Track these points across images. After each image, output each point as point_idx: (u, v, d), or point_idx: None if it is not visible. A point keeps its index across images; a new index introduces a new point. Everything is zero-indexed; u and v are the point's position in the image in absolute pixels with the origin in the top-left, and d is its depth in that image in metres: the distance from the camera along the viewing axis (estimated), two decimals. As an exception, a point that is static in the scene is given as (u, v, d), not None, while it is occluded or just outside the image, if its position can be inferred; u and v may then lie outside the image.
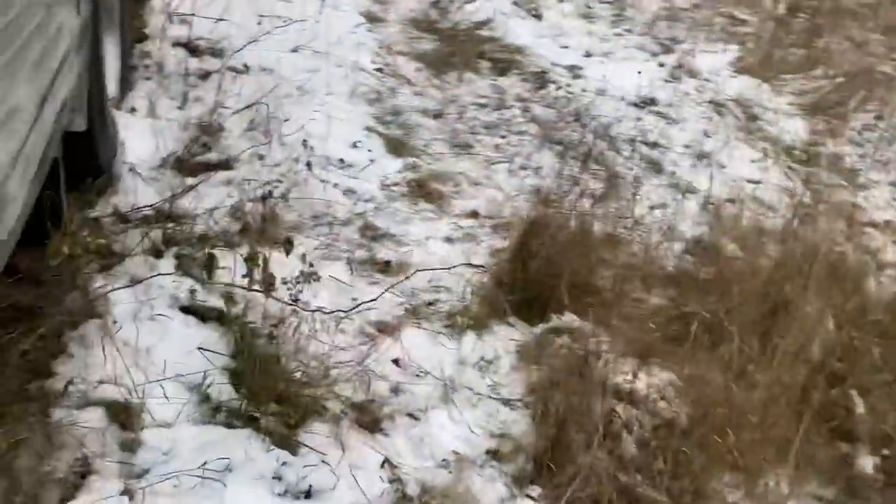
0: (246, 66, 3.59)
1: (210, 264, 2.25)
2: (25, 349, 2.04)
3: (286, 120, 3.17)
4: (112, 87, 2.97)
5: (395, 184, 3.10)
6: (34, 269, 2.16)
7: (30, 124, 1.64)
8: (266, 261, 2.09)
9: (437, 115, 3.80)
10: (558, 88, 4.34)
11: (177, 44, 3.73)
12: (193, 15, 3.97)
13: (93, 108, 2.39)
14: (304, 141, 2.93)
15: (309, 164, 2.84)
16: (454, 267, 2.58)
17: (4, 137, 1.46)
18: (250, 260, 2.06)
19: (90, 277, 2.27)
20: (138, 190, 2.61)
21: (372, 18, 4.95)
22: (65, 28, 1.97)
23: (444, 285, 2.53)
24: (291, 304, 2.19)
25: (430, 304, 2.43)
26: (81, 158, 2.45)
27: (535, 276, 2.41)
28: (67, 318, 2.11)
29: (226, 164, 2.85)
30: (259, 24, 3.96)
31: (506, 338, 2.32)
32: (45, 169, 1.93)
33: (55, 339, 2.08)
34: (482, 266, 2.61)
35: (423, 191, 3.07)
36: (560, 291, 2.35)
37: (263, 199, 2.56)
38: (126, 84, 3.11)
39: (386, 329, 2.28)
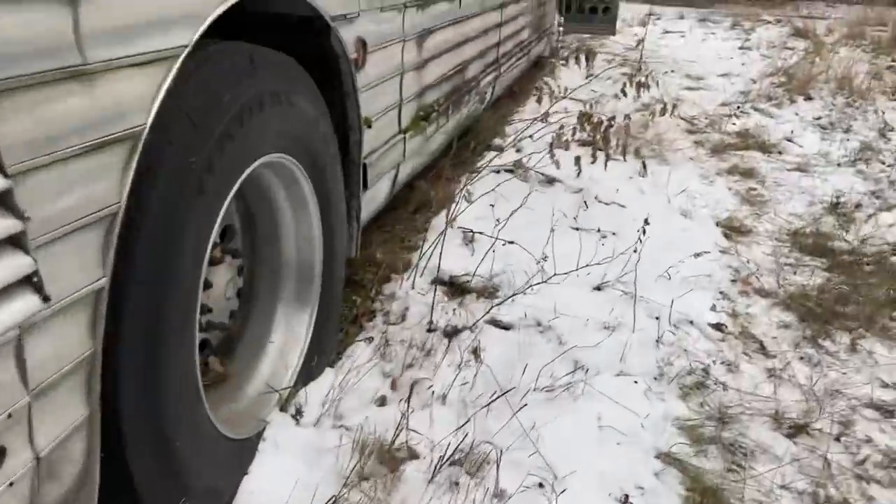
0: (493, 324, 2.53)
1: None
2: None
3: (499, 436, 2.00)
4: (286, 378, 2.10)
5: None
6: None
7: None
8: None
9: (799, 428, 2.28)
10: None
11: (437, 280, 2.83)
12: (481, 233, 3.10)
13: (148, 453, 1.49)
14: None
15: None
16: None
17: None
18: None
19: None
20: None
21: (732, 230, 3.60)
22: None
23: None
24: None
25: None
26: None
27: None
28: None
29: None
30: (547, 258, 2.90)
31: None
32: None
33: None
34: None
35: None
36: None
37: None
38: (314, 367, 2.20)
39: None
